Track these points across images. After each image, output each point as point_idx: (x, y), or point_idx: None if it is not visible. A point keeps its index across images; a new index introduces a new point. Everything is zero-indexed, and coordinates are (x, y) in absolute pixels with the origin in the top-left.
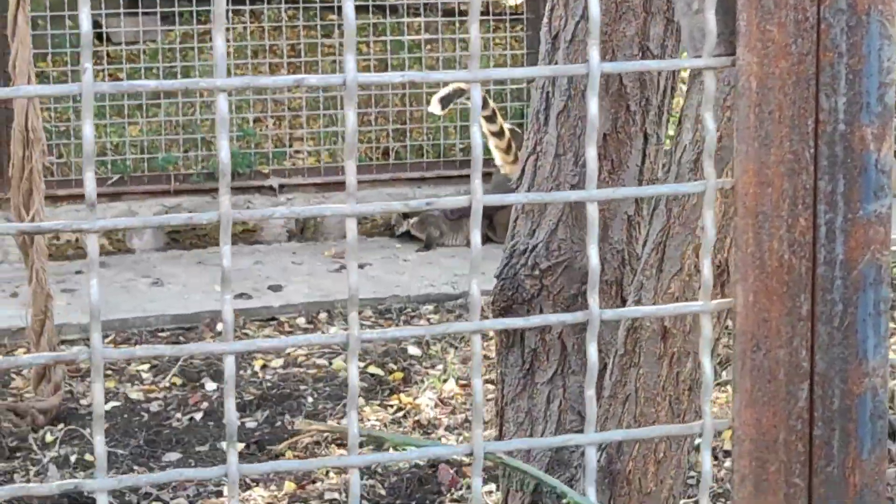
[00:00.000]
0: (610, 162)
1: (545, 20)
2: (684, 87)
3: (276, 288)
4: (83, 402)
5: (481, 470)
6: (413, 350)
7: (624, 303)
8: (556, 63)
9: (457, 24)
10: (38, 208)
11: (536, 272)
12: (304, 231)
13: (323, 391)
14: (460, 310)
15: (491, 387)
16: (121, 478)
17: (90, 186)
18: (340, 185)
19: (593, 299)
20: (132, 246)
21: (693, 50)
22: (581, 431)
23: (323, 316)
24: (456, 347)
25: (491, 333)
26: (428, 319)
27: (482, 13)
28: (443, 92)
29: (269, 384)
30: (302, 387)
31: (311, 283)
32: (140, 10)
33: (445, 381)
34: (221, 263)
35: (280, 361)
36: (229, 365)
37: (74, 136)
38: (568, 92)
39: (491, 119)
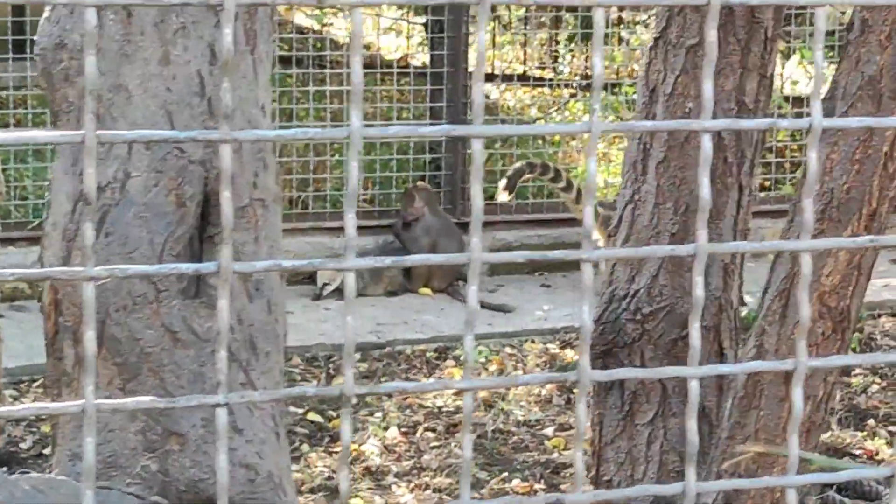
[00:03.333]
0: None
1: (641, 73)
2: (775, 141)
3: None
4: (22, 445)
5: None
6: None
7: (721, 347)
8: (655, 115)
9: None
10: None
11: (639, 317)
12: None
13: None
14: (388, 358)
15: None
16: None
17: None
18: None
19: (801, 348)
20: None
21: None
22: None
23: None
24: (390, 396)
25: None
26: (357, 368)
27: (367, 66)
28: (505, 179)
29: (322, 398)
30: None
31: None
32: (28, 55)
33: (386, 428)
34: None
35: None
36: (468, 403)
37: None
38: (668, 143)
39: (556, 179)
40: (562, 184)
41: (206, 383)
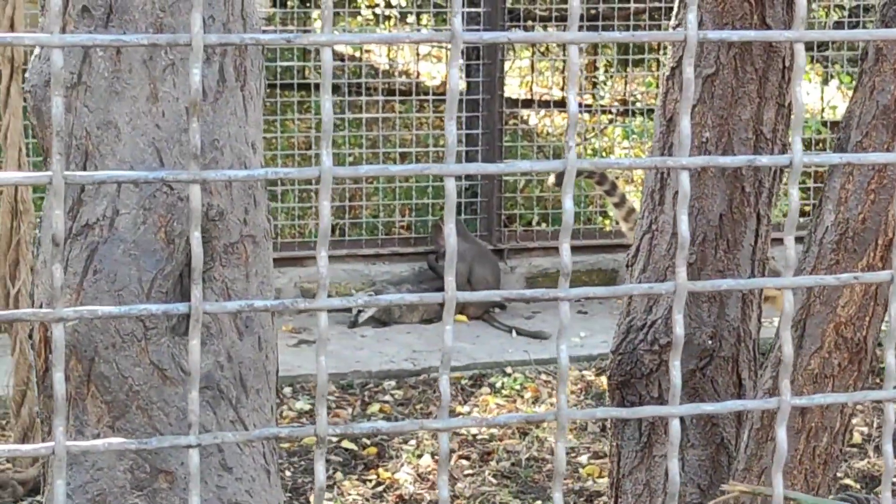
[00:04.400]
0: (726, 241)
1: (659, 103)
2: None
3: None
4: None
5: None
6: (383, 425)
7: (740, 378)
8: (672, 144)
9: (396, 104)
10: (25, 279)
11: (656, 347)
12: None
13: (299, 465)
14: (423, 385)
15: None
16: None
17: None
18: (295, 260)
19: (785, 386)
20: None
21: None
22: None
23: (287, 390)
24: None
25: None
26: (392, 395)
27: (405, 93)
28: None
29: (297, 438)
30: (277, 460)
31: None
32: None
33: (420, 455)
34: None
35: None
36: (444, 443)
37: None
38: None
39: (610, 192)
40: (615, 199)
41: None
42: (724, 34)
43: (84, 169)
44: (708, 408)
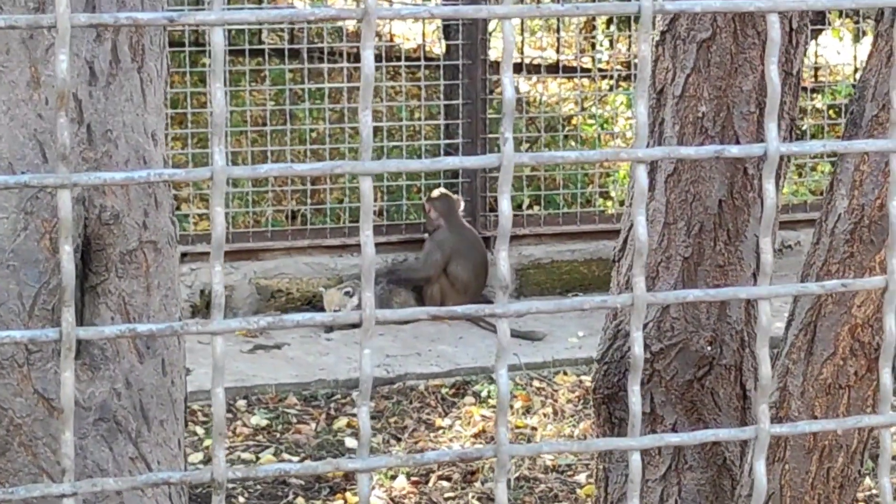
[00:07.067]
0: (726, 231)
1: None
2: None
3: None
4: None
5: None
6: (351, 442)
7: (744, 389)
8: (663, 120)
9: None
10: None
11: (647, 355)
12: (209, 306)
13: (255, 489)
14: (398, 395)
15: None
16: None
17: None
18: (250, 253)
19: (762, 412)
20: None
21: None
22: None
23: (241, 403)
24: (399, 439)
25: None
26: None
27: (375, 58)
28: None
29: (191, 483)
30: (229, 485)
31: None
32: None
33: (394, 477)
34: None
35: (199, 456)
36: (363, 487)
37: None
38: None
39: None
40: None
41: (88, 459)
42: (683, 5)
43: None
44: (673, 439)
